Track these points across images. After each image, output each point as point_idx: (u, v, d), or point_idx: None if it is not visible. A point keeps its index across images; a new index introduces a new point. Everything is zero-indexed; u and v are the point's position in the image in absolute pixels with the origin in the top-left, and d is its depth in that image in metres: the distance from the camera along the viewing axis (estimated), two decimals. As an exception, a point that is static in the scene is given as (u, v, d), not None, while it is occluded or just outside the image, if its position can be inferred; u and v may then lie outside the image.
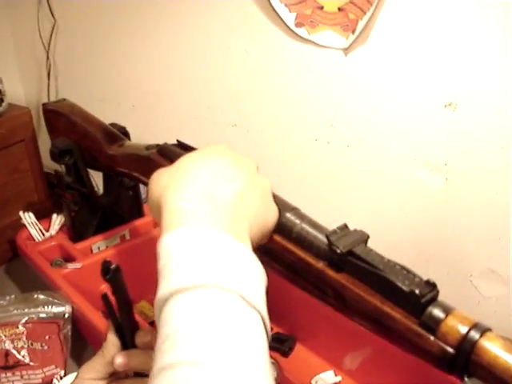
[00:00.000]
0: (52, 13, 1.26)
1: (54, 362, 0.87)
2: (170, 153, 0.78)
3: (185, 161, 0.53)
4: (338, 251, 0.57)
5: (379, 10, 0.86)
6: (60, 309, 0.91)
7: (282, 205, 0.64)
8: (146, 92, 1.22)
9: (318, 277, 0.59)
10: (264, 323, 0.45)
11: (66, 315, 0.91)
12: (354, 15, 0.88)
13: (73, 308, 0.92)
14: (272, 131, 1.06)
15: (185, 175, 0.51)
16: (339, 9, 0.90)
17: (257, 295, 0.44)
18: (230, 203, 0.49)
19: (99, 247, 1.05)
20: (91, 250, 1.04)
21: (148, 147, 0.85)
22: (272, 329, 0.90)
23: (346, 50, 0.92)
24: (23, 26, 1.35)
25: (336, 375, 0.90)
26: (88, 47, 1.28)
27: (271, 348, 0.95)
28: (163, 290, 0.42)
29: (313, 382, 0.89)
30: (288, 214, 0.63)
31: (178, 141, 0.79)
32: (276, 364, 0.88)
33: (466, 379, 0.47)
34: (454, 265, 0.94)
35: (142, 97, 1.24)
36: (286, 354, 0.94)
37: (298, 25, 0.94)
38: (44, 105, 1.06)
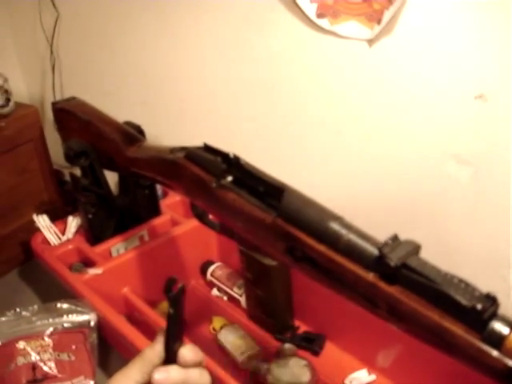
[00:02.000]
0: (54, 5, 1.21)
1: (82, 373, 0.85)
2: (199, 158, 0.75)
3: None
4: (392, 264, 0.55)
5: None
6: (85, 317, 0.89)
7: (325, 213, 0.62)
8: (155, 86, 1.19)
9: (368, 289, 0.57)
10: None
11: (92, 323, 0.89)
12: (379, 5, 0.85)
13: (97, 315, 0.90)
14: (293, 125, 1.03)
15: None
16: (363, -1, 0.86)
17: None
18: None
19: (118, 250, 1.02)
20: (110, 253, 1.02)
21: (172, 150, 0.82)
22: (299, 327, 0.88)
23: (371, 42, 0.89)
24: (24, 20, 1.30)
25: (370, 374, 0.89)
26: (93, 40, 1.24)
27: (302, 348, 0.94)
28: None
29: (346, 381, 0.88)
30: (333, 224, 0.60)
31: (204, 144, 0.76)
32: (309, 365, 0.87)
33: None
34: (485, 261, 0.92)
35: (152, 91, 1.20)
36: (316, 354, 0.93)
37: (319, 16, 0.91)
38: (53, 104, 1.03)
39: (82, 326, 0.89)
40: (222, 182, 0.72)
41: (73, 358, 0.86)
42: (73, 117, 1.00)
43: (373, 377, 0.89)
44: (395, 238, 0.58)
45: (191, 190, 0.77)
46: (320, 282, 0.63)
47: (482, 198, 0.90)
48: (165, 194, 1.17)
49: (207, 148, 0.76)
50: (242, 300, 1.01)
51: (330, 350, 0.94)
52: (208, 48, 1.08)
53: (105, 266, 0.97)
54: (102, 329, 0.91)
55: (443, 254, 0.95)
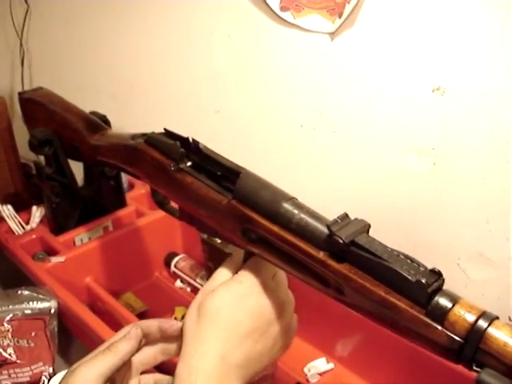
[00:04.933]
0: (24, -3, 1.22)
1: (41, 359, 0.85)
2: (158, 142, 0.76)
3: (213, 313, 0.59)
4: (341, 241, 0.56)
5: (366, -9, 0.85)
6: (45, 304, 0.89)
7: (278, 194, 0.63)
8: (124, 79, 1.19)
9: (319, 268, 0.58)
10: None
11: (52, 310, 0.89)
12: (340, -1, 0.87)
13: (58, 303, 0.89)
14: (257, 117, 1.05)
15: (210, 333, 0.58)
16: (325, -8, 0.88)
17: None
18: (237, 365, 0.57)
19: (82, 239, 1.02)
20: (74, 243, 1.02)
21: (133, 136, 0.82)
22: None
23: (333, 35, 0.91)
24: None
25: (328, 362, 0.90)
26: (63, 33, 1.24)
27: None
28: None
29: (305, 369, 0.89)
30: (286, 204, 0.61)
31: (165, 129, 0.77)
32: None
33: (480, 370, 0.46)
34: (442, 249, 0.94)
35: (121, 84, 1.21)
36: (276, 343, 0.93)
37: (282, 9, 0.92)
38: (20, 94, 1.03)
39: (42, 314, 0.88)
40: (180, 165, 0.72)
41: (32, 344, 0.86)
42: (39, 106, 1.00)
43: (331, 365, 0.90)
44: (345, 217, 0.59)
45: (151, 174, 0.77)
46: (274, 262, 0.64)
47: (441, 189, 0.92)
48: (131, 187, 1.17)
49: (167, 133, 0.76)
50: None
51: (291, 339, 0.95)
52: (173, 41, 1.09)
53: (67, 254, 0.97)
54: (63, 317, 0.91)
55: (409, 246, 0.96)
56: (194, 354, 0.57)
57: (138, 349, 0.66)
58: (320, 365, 0.89)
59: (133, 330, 0.64)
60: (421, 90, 0.86)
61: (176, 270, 1.07)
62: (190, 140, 0.73)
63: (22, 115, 1.02)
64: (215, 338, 0.58)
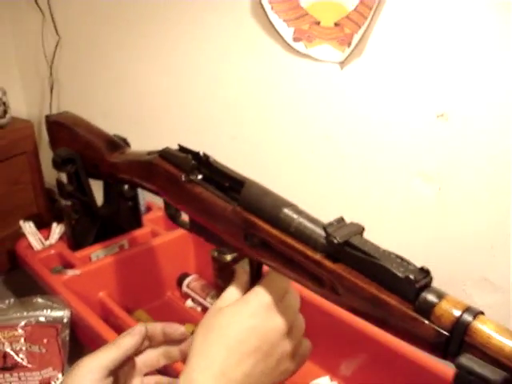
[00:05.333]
0: (56, 30, 1.30)
1: (51, 365, 0.88)
2: (171, 156, 0.80)
3: (219, 330, 0.61)
4: (335, 241, 0.59)
5: (373, 23, 0.89)
6: (59, 313, 0.92)
7: (279, 201, 0.66)
8: (147, 107, 1.25)
9: (315, 268, 0.61)
10: None
11: (65, 320, 0.92)
12: (349, 30, 0.92)
13: (71, 313, 0.93)
14: (270, 143, 1.09)
15: (214, 349, 0.59)
16: (335, 24, 0.93)
17: None
18: (236, 382, 0.58)
19: (98, 256, 1.06)
20: (90, 259, 1.06)
21: (149, 153, 0.87)
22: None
23: (342, 64, 0.95)
24: (27, 42, 1.39)
25: (332, 381, 0.91)
26: (90, 63, 1.32)
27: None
28: None
29: (309, 387, 0.90)
30: (286, 210, 0.64)
31: (179, 145, 0.81)
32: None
33: (459, 356, 0.48)
34: (448, 273, 0.95)
35: (143, 111, 1.27)
36: (282, 362, 0.95)
37: (295, 39, 0.98)
38: (47, 117, 1.09)
39: (55, 322, 0.92)
40: (191, 177, 0.76)
41: (43, 350, 0.89)
42: (63, 128, 1.06)
43: (335, 383, 0.90)
44: (341, 220, 0.62)
45: (164, 187, 0.81)
46: (274, 266, 0.67)
47: (446, 214, 0.94)
48: (148, 209, 1.21)
49: (181, 148, 0.81)
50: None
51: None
52: (192, 72, 1.15)
53: (83, 269, 1.01)
54: (75, 326, 0.94)
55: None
56: (197, 367, 0.59)
57: (142, 350, 0.69)
58: (324, 383, 0.90)
59: (137, 327, 0.67)
60: (425, 116, 0.90)
61: (187, 290, 1.10)
62: (201, 154, 0.77)
63: (48, 137, 1.08)
64: (218, 354, 0.59)
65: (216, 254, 1.00)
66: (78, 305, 0.92)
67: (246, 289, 0.66)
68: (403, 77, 0.90)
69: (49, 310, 0.92)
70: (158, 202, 1.11)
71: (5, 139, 1.15)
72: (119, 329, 0.94)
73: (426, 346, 0.53)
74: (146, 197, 1.19)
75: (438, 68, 0.87)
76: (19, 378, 0.85)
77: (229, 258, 0.98)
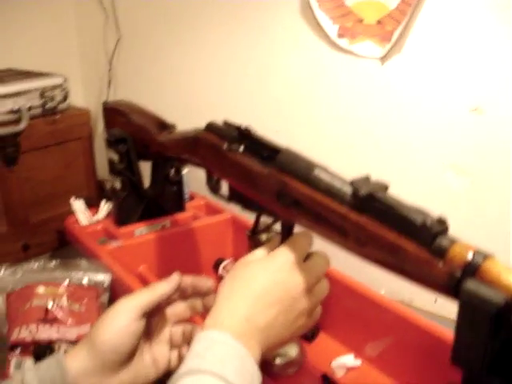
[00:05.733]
0: (118, 27, 1.39)
1: (89, 322, 0.93)
2: (216, 128, 0.86)
3: (245, 280, 0.67)
4: (360, 194, 0.63)
5: (413, 21, 0.94)
6: (100, 277, 0.98)
7: (311, 163, 0.71)
8: (196, 101, 1.33)
9: (341, 221, 0.65)
10: None
11: (106, 284, 0.98)
12: (390, 27, 0.97)
13: (112, 278, 0.98)
14: (312, 137, 1.14)
15: (240, 296, 0.65)
16: (378, 21, 0.99)
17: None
18: (258, 329, 0.63)
19: (141, 232, 1.12)
20: (133, 234, 1.12)
21: (195, 129, 0.93)
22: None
23: (383, 59, 1.00)
24: (90, 37, 1.49)
25: (356, 359, 0.93)
26: (148, 62, 1.41)
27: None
28: (182, 368, 0.57)
29: (333, 363, 0.92)
30: (316, 170, 0.69)
31: (224, 120, 0.87)
32: (299, 344, 0.92)
33: (465, 281, 0.51)
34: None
35: (193, 105, 1.34)
36: (309, 340, 0.98)
37: (339, 36, 1.03)
38: (104, 103, 1.17)
39: (96, 285, 0.97)
40: (232, 146, 0.82)
41: (83, 309, 0.94)
42: (118, 113, 1.14)
43: (358, 361, 0.93)
44: (367, 178, 0.67)
45: (208, 156, 0.87)
46: (303, 223, 0.71)
47: (476, 207, 0.96)
48: (191, 198, 1.27)
49: (225, 122, 0.87)
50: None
51: (323, 339, 0.99)
52: (240, 70, 1.22)
53: (127, 241, 1.07)
54: (115, 292, 0.99)
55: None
56: (223, 310, 0.63)
57: (172, 301, 0.74)
58: (347, 360, 0.92)
59: (173, 276, 0.73)
60: (459, 110, 0.94)
61: (223, 273, 1.14)
62: (243, 127, 0.83)
63: (104, 122, 1.16)
64: (243, 301, 0.64)
65: (252, 234, 1.06)
66: (120, 270, 0.98)
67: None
68: (439, 72, 0.95)
69: (91, 273, 0.98)
70: (201, 191, 1.17)
71: (63, 124, 1.24)
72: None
73: (439, 286, 0.57)
74: (190, 186, 1.25)
75: (472, 63, 0.91)
76: (58, 331, 0.90)
77: (264, 238, 1.03)
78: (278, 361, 0.90)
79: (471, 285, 0.50)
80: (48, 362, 0.66)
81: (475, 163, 0.95)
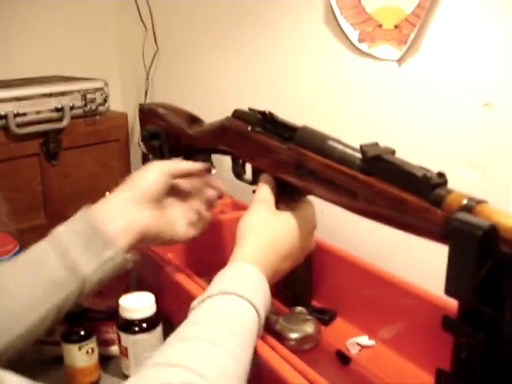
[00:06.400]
0: (156, 41, 1.50)
1: (117, 297, 0.99)
2: (241, 114, 0.94)
3: (276, 236, 0.78)
4: (368, 155, 0.69)
5: (427, 24, 1.01)
6: (131, 258, 1.04)
7: (325, 136, 0.78)
8: (227, 108, 1.40)
9: (351, 182, 0.71)
10: (258, 316, 0.67)
11: (133, 264, 1.04)
12: (406, 30, 1.04)
13: (141, 260, 1.05)
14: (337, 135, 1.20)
15: (267, 247, 0.76)
16: (395, 26, 1.06)
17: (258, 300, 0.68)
18: (275, 273, 0.76)
19: (170, 223, 1.18)
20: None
21: (222, 118, 1.01)
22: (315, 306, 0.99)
23: (400, 61, 1.07)
24: (129, 50, 1.60)
25: (370, 339, 0.97)
26: (184, 75, 1.50)
27: (313, 316, 1.03)
28: (213, 289, 0.68)
29: (348, 342, 0.96)
30: (330, 141, 0.77)
31: (249, 107, 0.95)
32: (315, 322, 0.97)
33: (456, 212, 0.56)
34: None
35: (225, 112, 1.42)
36: (326, 323, 1.02)
37: (360, 41, 1.11)
38: (140, 105, 1.26)
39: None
40: (256, 128, 0.89)
41: (113, 283, 1.00)
42: (153, 112, 1.22)
43: (372, 342, 0.96)
44: (376, 143, 0.73)
45: (233, 141, 0.94)
46: (317, 191, 0.78)
47: (489, 198, 1.00)
48: (219, 197, 1.34)
49: (250, 109, 0.94)
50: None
51: (339, 322, 1.03)
52: (274, 74, 1.30)
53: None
54: (143, 273, 1.05)
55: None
56: (253, 251, 0.75)
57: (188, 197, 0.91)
58: (362, 340, 0.96)
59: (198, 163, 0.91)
60: (471, 106, 0.99)
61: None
62: (267, 112, 0.90)
63: (139, 122, 1.24)
64: (270, 251, 0.76)
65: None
66: (149, 252, 1.04)
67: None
68: (452, 70, 1.00)
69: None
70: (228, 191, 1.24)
71: (102, 125, 1.33)
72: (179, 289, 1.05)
73: (438, 234, 0.61)
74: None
75: (483, 60, 0.97)
76: (89, 302, 0.96)
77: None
78: (294, 335, 0.94)
79: (460, 214, 0.55)
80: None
81: (487, 157, 1.00)
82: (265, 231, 0.76)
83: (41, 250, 0.76)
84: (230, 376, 0.57)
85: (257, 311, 0.66)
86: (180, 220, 0.89)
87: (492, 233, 0.52)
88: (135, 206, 0.81)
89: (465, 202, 0.60)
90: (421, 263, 1.08)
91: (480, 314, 0.56)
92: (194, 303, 0.68)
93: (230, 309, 0.65)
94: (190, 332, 0.62)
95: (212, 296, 0.66)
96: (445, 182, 0.64)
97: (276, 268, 0.75)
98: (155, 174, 0.84)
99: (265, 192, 0.82)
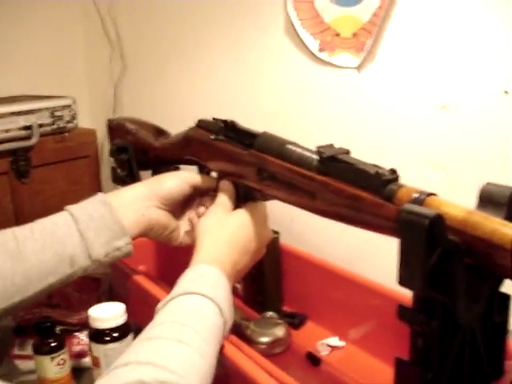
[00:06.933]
0: (122, 58, 1.52)
1: (89, 308, 1.00)
2: (204, 123, 0.96)
3: (231, 232, 0.81)
4: (324, 156, 0.72)
5: (383, 31, 1.05)
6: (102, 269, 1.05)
7: (284, 141, 0.80)
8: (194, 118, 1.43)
9: (309, 184, 0.73)
10: (221, 312, 0.69)
11: (106, 276, 1.05)
12: (364, 38, 1.07)
13: (112, 271, 1.06)
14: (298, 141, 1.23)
15: (225, 244, 0.79)
16: (353, 34, 1.09)
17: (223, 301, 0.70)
18: (235, 270, 0.79)
19: (141, 235, 1.19)
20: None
21: (187, 129, 1.02)
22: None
23: (359, 68, 1.10)
24: (97, 67, 1.62)
25: (340, 341, 0.99)
26: (151, 89, 1.52)
27: (286, 322, 1.04)
28: (176, 291, 0.70)
29: (318, 344, 0.98)
30: (288, 145, 0.79)
31: (213, 117, 0.97)
32: (286, 325, 0.98)
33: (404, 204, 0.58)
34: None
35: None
36: (296, 327, 1.04)
37: (320, 50, 1.14)
38: (109, 120, 1.28)
39: (97, 276, 1.05)
40: (219, 136, 0.91)
41: (84, 297, 1.02)
42: (121, 126, 1.23)
43: (342, 343, 0.98)
44: (331, 145, 0.75)
45: (198, 150, 0.96)
46: (278, 195, 0.80)
47: (453, 196, 1.03)
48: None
49: (213, 118, 0.97)
50: (239, 286, 1.14)
51: (310, 326, 1.05)
52: (238, 84, 1.33)
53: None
54: (114, 284, 1.06)
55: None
56: (212, 250, 0.78)
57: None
58: (332, 341, 0.98)
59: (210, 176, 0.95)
60: (429, 108, 1.02)
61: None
62: (229, 120, 0.92)
63: (108, 136, 1.26)
64: (228, 248, 0.79)
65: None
66: (121, 265, 1.05)
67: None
68: (409, 74, 1.04)
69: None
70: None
71: (71, 141, 1.35)
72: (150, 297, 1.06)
73: (391, 227, 0.63)
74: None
75: (438, 64, 1.00)
76: (60, 315, 0.97)
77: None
78: (264, 339, 0.95)
79: (408, 206, 0.57)
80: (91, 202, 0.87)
81: (448, 157, 1.02)
82: (220, 230, 0.80)
83: (59, 224, 0.82)
84: (198, 371, 0.60)
85: (219, 307, 0.68)
86: (182, 226, 0.94)
87: (438, 221, 0.55)
88: (148, 202, 0.88)
89: (415, 195, 0.62)
90: (387, 265, 1.10)
91: (433, 302, 0.58)
92: (159, 306, 0.69)
93: (193, 307, 0.67)
94: (156, 332, 0.64)
95: (175, 297, 0.68)
96: (396, 178, 0.66)
97: (236, 263, 0.78)
98: (176, 180, 0.92)
99: (222, 197, 0.85)
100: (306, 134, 1.21)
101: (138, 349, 0.61)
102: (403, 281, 0.58)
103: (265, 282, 1.09)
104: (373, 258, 1.14)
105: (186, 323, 0.64)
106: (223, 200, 0.85)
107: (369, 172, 0.67)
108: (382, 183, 0.65)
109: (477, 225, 0.56)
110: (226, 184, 0.88)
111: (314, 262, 1.07)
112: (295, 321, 1.04)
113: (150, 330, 0.64)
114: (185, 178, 0.92)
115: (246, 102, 1.31)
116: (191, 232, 0.92)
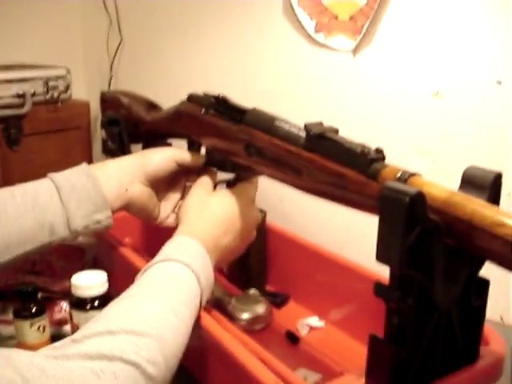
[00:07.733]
0: (120, 31, 1.51)
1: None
2: (195, 98, 0.96)
3: (211, 210, 0.82)
4: (311, 133, 0.72)
5: (380, 15, 1.04)
6: (87, 238, 1.06)
7: (273, 117, 0.80)
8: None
9: (295, 159, 0.73)
10: (198, 279, 0.70)
11: (92, 245, 1.05)
12: (361, 22, 1.07)
13: (98, 241, 1.06)
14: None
15: (207, 220, 0.80)
16: (350, 17, 1.09)
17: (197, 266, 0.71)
18: (217, 247, 0.78)
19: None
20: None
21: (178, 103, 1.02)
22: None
23: (354, 52, 1.10)
24: (94, 39, 1.61)
25: (320, 320, 0.99)
26: (147, 62, 1.52)
27: (268, 300, 1.04)
28: (156, 258, 0.71)
29: (298, 324, 0.98)
30: (277, 121, 0.79)
31: (204, 92, 0.97)
32: (266, 303, 0.99)
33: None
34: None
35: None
36: (278, 306, 1.04)
37: (317, 31, 1.13)
38: (102, 93, 1.27)
39: (82, 245, 1.05)
40: (209, 111, 0.91)
41: (68, 265, 1.02)
42: (113, 99, 1.23)
43: (322, 323, 0.99)
44: (320, 122, 0.75)
45: (188, 124, 0.96)
46: (264, 169, 0.80)
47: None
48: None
49: (204, 93, 0.96)
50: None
51: (292, 305, 1.06)
52: (236, 65, 1.32)
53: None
54: (99, 254, 1.06)
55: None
56: (193, 225, 0.79)
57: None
58: (312, 321, 0.98)
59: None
60: (422, 95, 1.02)
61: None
62: (220, 95, 0.92)
63: (100, 109, 1.25)
64: (209, 224, 0.80)
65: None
66: (106, 234, 1.05)
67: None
68: (404, 60, 1.04)
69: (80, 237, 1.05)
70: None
71: (64, 112, 1.34)
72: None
73: (375, 208, 0.64)
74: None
75: (433, 52, 1.00)
76: (43, 282, 0.98)
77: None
78: (245, 316, 0.96)
79: (390, 183, 0.57)
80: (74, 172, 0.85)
81: (436, 144, 1.03)
82: (202, 208, 0.81)
83: (40, 190, 0.81)
84: (170, 327, 0.61)
85: (196, 275, 0.69)
86: (167, 206, 0.93)
87: (419, 199, 0.55)
88: (133, 176, 0.87)
89: (399, 174, 0.62)
90: (374, 249, 1.11)
91: (410, 280, 0.58)
92: (138, 275, 0.70)
93: (169, 271, 0.68)
94: (132, 292, 0.65)
95: (153, 264, 0.69)
96: (382, 158, 0.66)
97: (217, 239, 0.78)
98: (163, 155, 0.91)
99: (204, 178, 0.87)
100: (298, 113, 1.21)
101: (111, 306, 0.63)
102: (381, 257, 0.58)
103: (249, 260, 1.09)
104: (360, 241, 1.14)
105: (162, 285, 0.66)
106: (204, 180, 0.86)
107: (354, 150, 0.67)
108: (367, 162, 0.65)
109: (458, 205, 0.56)
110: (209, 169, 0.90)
111: (300, 242, 1.07)
112: (277, 300, 1.04)
113: (125, 292, 0.65)
114: (172, 154, 0.91)
115: (239, 80, 1.31)
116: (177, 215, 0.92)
